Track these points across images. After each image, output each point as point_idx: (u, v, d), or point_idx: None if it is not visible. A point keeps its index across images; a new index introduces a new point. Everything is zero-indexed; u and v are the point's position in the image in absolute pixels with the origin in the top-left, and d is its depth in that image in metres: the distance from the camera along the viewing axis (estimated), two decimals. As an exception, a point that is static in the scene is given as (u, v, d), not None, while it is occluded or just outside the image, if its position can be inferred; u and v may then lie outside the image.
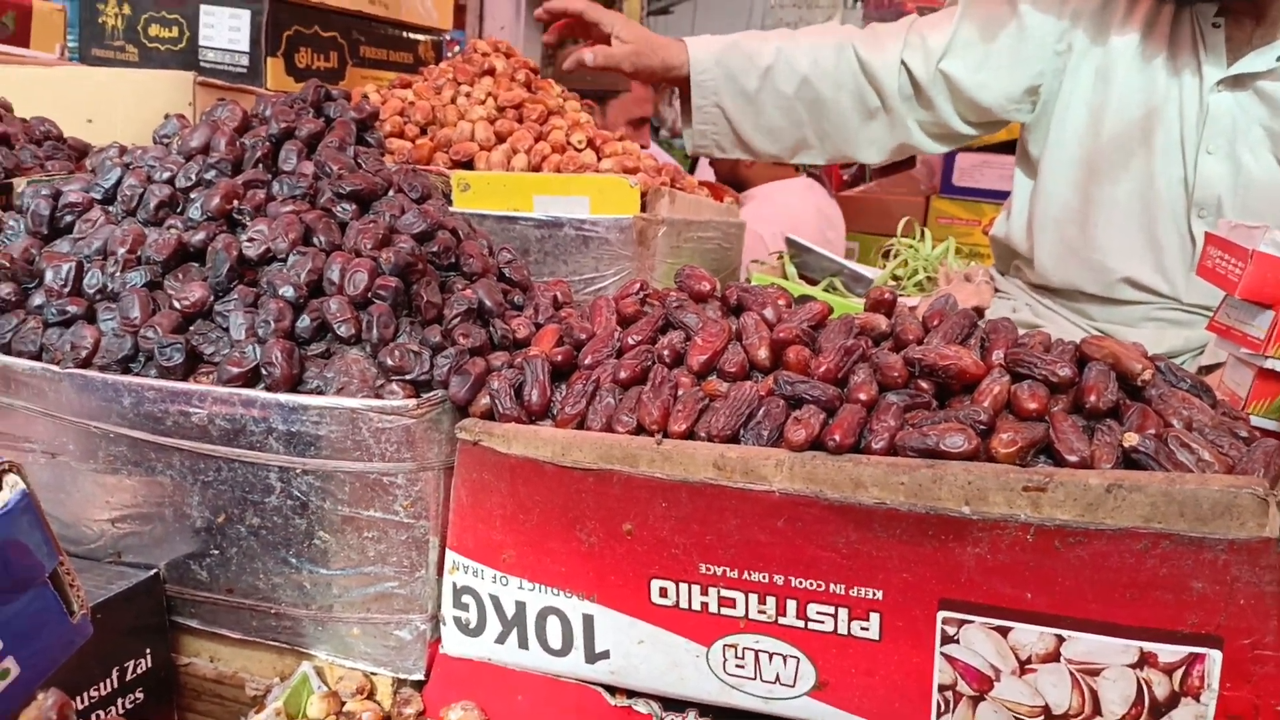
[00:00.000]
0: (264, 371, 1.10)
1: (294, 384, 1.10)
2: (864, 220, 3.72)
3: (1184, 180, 1.72)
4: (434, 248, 1.25)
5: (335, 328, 1.12)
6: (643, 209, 1.73)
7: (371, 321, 1.13)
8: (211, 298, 1.18)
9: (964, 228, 3.67)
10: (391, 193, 1.31)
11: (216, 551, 1.15)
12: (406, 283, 1.18)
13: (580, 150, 1.83)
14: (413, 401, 1.08)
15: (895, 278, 2.17)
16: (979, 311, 1.95)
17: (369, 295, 1.15)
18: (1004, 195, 3.33)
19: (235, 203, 1.25)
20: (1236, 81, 1.66)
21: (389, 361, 1.11)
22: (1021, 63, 1.87)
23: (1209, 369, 1.50)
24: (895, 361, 0.98)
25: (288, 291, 1.14)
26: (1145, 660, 0.84)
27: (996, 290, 2.12)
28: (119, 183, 1.31)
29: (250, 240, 1.20)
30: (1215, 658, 0.82)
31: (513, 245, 1.69)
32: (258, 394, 1.09)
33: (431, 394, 1.10)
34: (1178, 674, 0.83)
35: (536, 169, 1.77)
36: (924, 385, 0.98)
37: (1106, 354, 0.95)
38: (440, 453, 1.10)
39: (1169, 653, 0.83)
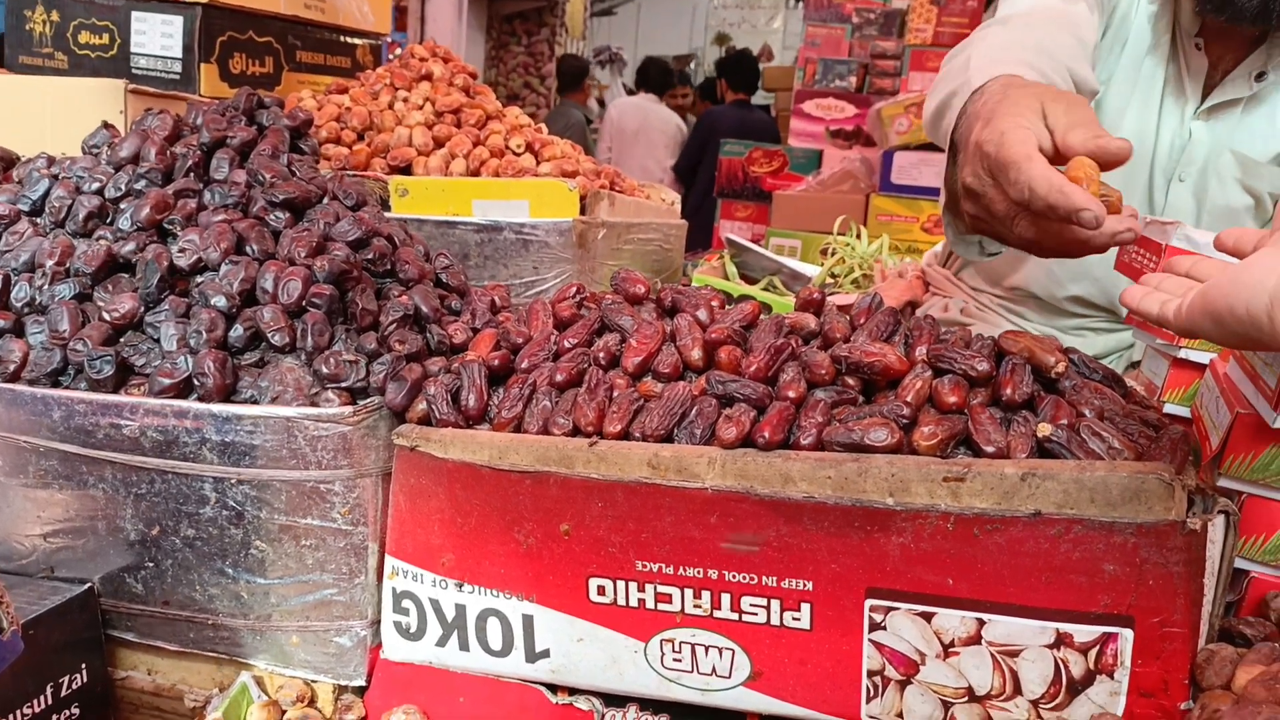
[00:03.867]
0: (196, 382, 1.09)
1: (227, 394, 1.10)
2: (805, 219, 3.78)
3: (1150, 206, 1.72)
4: (369, 255, 1.25)
5: (269, 337, 1.12)
6: (582, 212, 1.75)
7: (306, 330, 1.13)
8: (142, 309, 1.17)
9: (903, 224, 3.74)
10: (326, 200, 1.31)
11: (151, 564, 1.14)
12: (341, 290, 1.18)
13: (519, 154, 1.84)
14: (349, 409, 1.08)
15: (833, 275, 2.21)
16: (913, 306, 1.97)
17: (303, 303, 1.15)
18: (931, 192, 3.37)
19: (166, 213, 1.24)
20: (1214, 109, 1.63)
21: (324, 369, 1.11)
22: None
23: (1138, 364, 1.52)
24: (823, 359, 1.01)
25: (220, 301, 1.14)
26: (1062, 641, 0.87)
27: (928, 286, 2.16)
28: (47, 194, 1.29)
29: (181, 250, 1.20)
30: (1127, 636, 0.85)
31: (452, 250, 1.70)
32: (190, 405, 1.09)
33: (368, 401, 1.11)
34: (1092, 653, 0.87)
35: (475, 173, 1.78)
36: (850, 382, 1.01)
37: (1022, 348, 0.99)
38: (378, 459, 1.10)
39: (1084, 633, 0.86)
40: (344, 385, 1.11)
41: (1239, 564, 0.92)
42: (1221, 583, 0.87)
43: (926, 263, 2.17)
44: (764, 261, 2.25)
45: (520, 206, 1.73)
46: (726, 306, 1.17)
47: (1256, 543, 0.91)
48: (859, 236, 2.30)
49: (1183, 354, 1.20)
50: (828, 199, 4.02)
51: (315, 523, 1.09)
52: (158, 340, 1.14)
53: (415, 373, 1.12)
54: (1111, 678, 0.86)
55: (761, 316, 1.13)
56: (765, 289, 2.14)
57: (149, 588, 1.15)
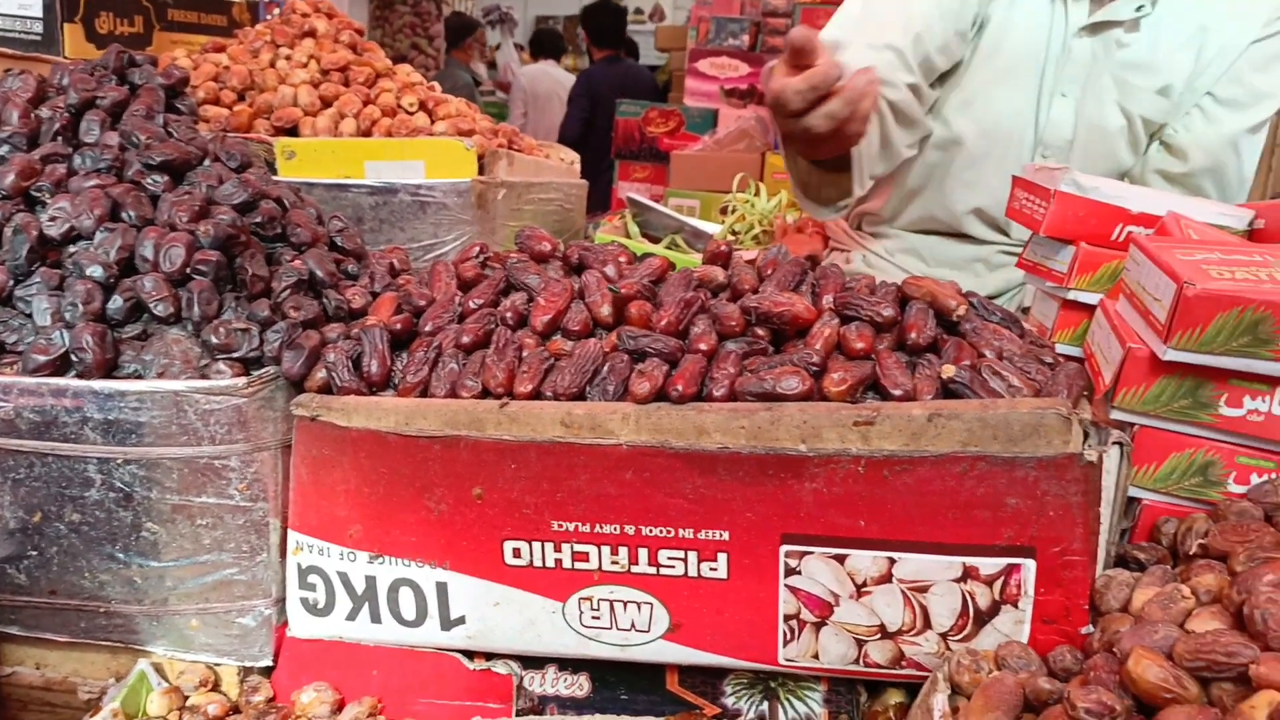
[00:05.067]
0: (74, 358, 1.03)
1: (109, 369, 1.03)
2: (703, 178, 3.79)
3: (1035, 120, 1.78)
4: (258, 218, 1.19)
5: (151, 307, 1.06)
6: (480, 171, 1.70)
7: (192, 299, 1.07)
8: (11, 282, 1.09)
9: (800, 183, 3.78)
10: (208, 162, 1.24)
11: (35, 552, 1.07)
12: (229, 256, 1.12)
13: (412, 113, 1.78)
14: (242, 380, 1.03)
15: (734, 232, 2.22)
16: (813, 260, 1.99)
17: (187, 271, 1.09)
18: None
19: (33, 179, 1.16)
20: (1096, 28, 1.70)
21: (214, 339, 1.06)
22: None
23: (1028, 310, 1.58)
24: (733, 311, 1.01)
25: (96, 271, 1.07)
26: (968, 574, 0.90)
27: (828, 241, 2.19)
28: (-108, 161, 1.19)
29: (51, 219, 1.12)
30: (1030, 567, 0.89)
31: (345, 215, 1.63)
32: (69, 382, 1.02)
33: (263, 371, 1.06)
34: (997, 584, 0.89)
35: (366, 134, 1.71)
36: (760, 332, 1.01)
37: (925, 293, 1.01)
38: (276, 431, 1.06)
39: (989, 565, 0.89)
40: (236, 355, 1.06)
41: (1132, 492, 0.96)
42: (1116, 511, 0.91)
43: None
44: (665, 220, 2.25)
45: (416, 167, 1.67)
46: (634, 263, 1.16)
47: (1148, 471, 0.95)
48: (758, 193, 2.31)
49: (1071, 295, 1.24)
50: (725, 158, 4.02)
51: (211, 501, 1.05)
52: (29, 315, 1.07)
53: (313, 340, 1.07)
54: (1016, 607, 0.90)
55: (669, 272, 1.12)
56: (668, 247, 2.14)
57: (33, 577, 1.08)
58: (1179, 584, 0.82)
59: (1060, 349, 1.22)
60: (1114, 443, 0.89)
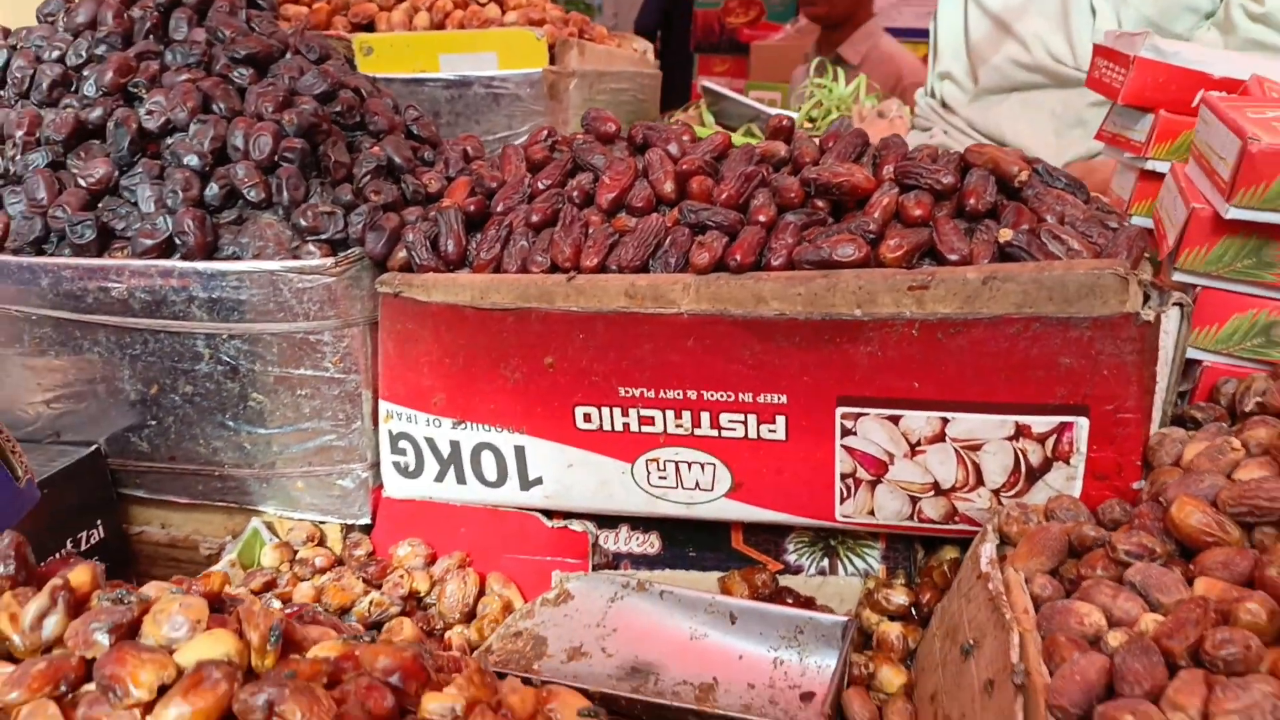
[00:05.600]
0: (178, 241, 1.11)
1: (209, 251, 1.11)
2: (784, 69, 3.71)
3: None
4: (337, 107, 1.25)
5: (245, 193, 1.13)
6: (552, 61, 1.72)
7: (281, 185, 1.14)
8: (116, 173, 1.17)
9: (884, 69, 3.67)
10: (289, 55, 1.30)
11: (154, 422, 1.18)
12: (312, 144, 1.19)
13: (484, 5, 1.80)
14: (330, 260, 1.10)
15: (810, 119, 2.19)
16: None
17: (275, 159, 1.15)
18: (921, 34, 3.32)
19: (129, 76, 1.23)
20: None
21: (303, 223, 1.13)
22: None
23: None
24: (792, 183, 1.02)
25: (192, 160, 1.14)
26: (1020, 432, 0.92)
27: (913, 125, 2.15)
28: (7, 65, 1.28)
29: (149, 113, 1.19)
30: (1083, 424, 0.90)
31: (422, 108, 1.69)
32: (174, 264, 1.11)
33: (349, 251, 1.13)
34: (1049, 442, 0.92)
35: (440, 27, 1.74)
36: (820, 204, 1.03)
37: (987, 160, 1.01)
38: (364, 309, 1.13)
39: (1041, 423, 0.91)
40: (324, 237, 1.13)
41: (1193, 354, 0.96)
42: (1174, 372, 0.91)
43: (916, 98, 2.18)
44: (741, 108, 2.23)
45: (488, 59, 1.70)
46: (697, 142, 1.18)
47: (1209, 333, 0.94)
48: (835, 78, 2.27)
49: (1149, 165, 1.21)
50: (806, 47, 3.92)
51: (308, 373, 1.13)
52: (135, 203, 1.15)
53: (393, 221, 1.13)
54: (1068, 464, 0.92)
55: (731, 149, 1.14)
56: (745, 135, 2.13)
57: (154, 445, 1.19)
58: (1230, 438, 0.83)
59: (1136, 221, 1.21)
60: (1174, 304, 0.89)
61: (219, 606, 0.66)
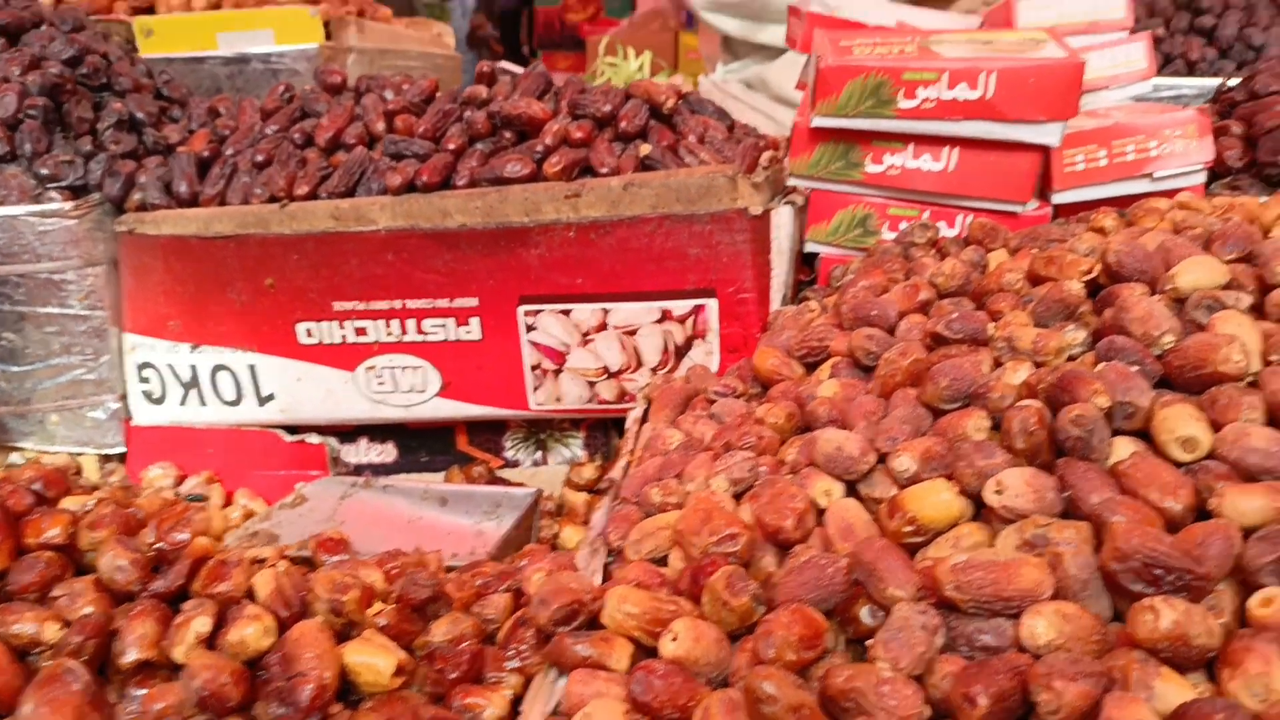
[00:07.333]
0: (-82, 190, 1.18)
1: (-50, 199, 1.19)
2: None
3: None
4: (84, 70, 1.34)
5: (-15, 145, 1.21)
6: (328, 38, 1.83)
7: (24, 139, 1.23)
8: None
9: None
10: (44, 26, 1.38)
11: (-91, 365, 1.25)
12: (57, 103, 1.27)
13: (262, -13, 1.89)
14: (70, 204, 1.20)
15: (599, 95, 2.36)
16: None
17: (19, 116, 1.24)
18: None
19: (-124, 44, 1.29)
20: None
21: (44, 171, 1.21)
22: None
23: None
24: (480, 116, 1.17)
25: (-67, 117, 1.22)
26: (665, 316, 1.08)
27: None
28: None
29: (-106, 77, 1.26)
30: (713, 305, 1.07)
31: (204, 86, 1.77)
32: (-85, 211, 1.18)
33: (89, 196, 1.22)
34: (689, 322, 1.08)
35: (217, 7, 1.83)
36: (508, 135, 1.17)
37: (643, 91, 1.17)
38: (107, 250, 1.22)
39: (680, 307, 1.07)
40: (64, 184, 1.22)
41: (813, 248, 1.13)
42: (792, 260, 1.09)
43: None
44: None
45: (265, 36, 1.80)
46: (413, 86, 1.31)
47: (821, 228, 1.12)
48: (625, 57, 2.44)
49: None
50: (639, 40, 4.10)
51: (55, 310, 1.22)
52: (-122, 159, 1.22)
53: (129, 167, 1.23)
54: (705, 340, 1.08)
55: (437, 92, 1.27)
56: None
57: (-89, 388, 1.26)
58: (810, 303, 1.00)
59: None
60: (785, 202, 1.06)
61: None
